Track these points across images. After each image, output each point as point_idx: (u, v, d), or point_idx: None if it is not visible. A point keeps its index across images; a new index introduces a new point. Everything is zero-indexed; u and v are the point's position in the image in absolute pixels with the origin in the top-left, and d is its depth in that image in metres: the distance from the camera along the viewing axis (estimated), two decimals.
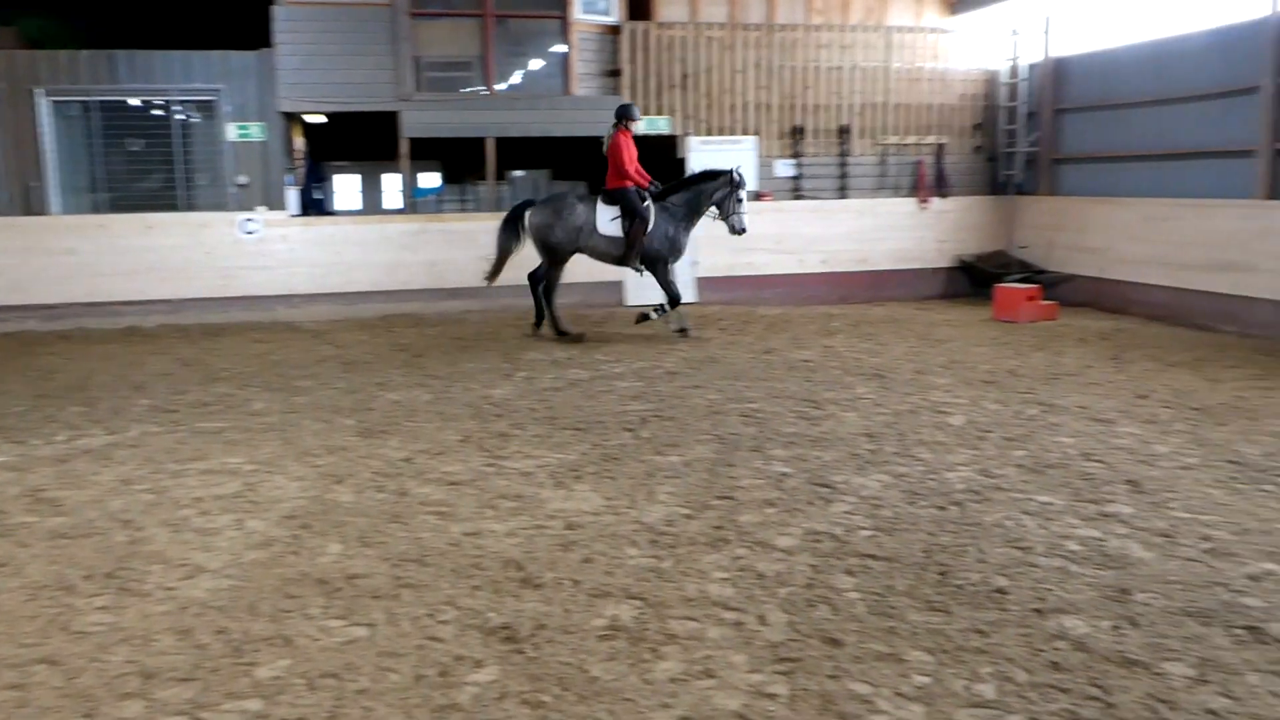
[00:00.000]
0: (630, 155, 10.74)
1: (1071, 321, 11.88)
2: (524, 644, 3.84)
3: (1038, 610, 4.05)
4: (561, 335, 10.90)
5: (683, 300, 11.11)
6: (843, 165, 14.29)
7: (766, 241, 13.75)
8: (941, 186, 14.58)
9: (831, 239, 14.19)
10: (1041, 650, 3.72)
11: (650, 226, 10.69)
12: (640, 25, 13.69)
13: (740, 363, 9.43)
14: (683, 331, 10.91)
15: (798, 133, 14.22)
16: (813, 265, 14.15)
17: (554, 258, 11.21)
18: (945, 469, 5.99)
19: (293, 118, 13.43)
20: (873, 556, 4.64)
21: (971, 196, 14.90)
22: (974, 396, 7.91)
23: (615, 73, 13.62)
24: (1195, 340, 10.60)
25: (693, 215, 10.87)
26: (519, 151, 14.23)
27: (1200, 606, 4.05)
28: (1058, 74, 14.34)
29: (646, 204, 10.70)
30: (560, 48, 13.64)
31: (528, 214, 11.07)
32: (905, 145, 14.59)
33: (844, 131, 14.29)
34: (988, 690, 3.45)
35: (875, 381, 8.52)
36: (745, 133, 14.02)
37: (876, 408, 7.56)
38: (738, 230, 10.72)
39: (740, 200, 10.69)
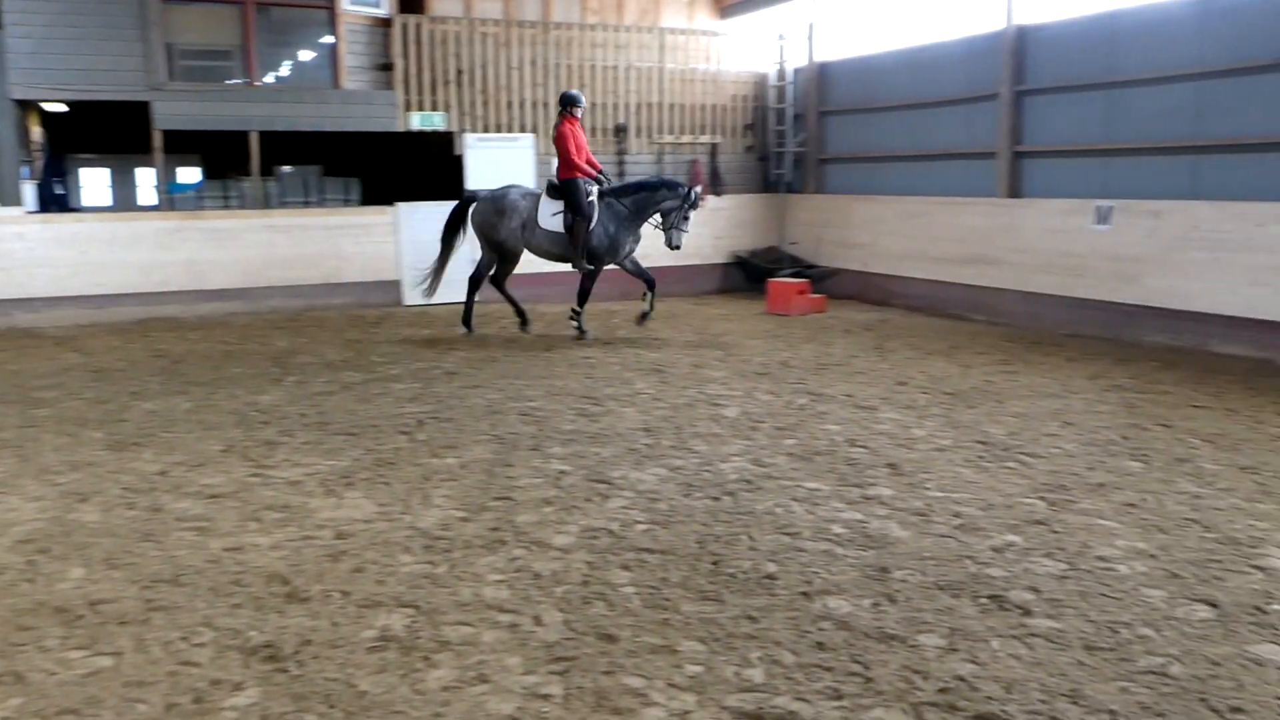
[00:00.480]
0: (577, 144, 10.41)
1: (839, 314, 12.45)
2: (288, 662, 3.63)
3: (805, 593, 4.18)
4: (466, 326, 10.85)
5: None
6: (621, 164, 14.44)
7: None
8: (716, 185, 14.98)
9: None
10: (808, 632, 3.83)
11: (593, 223, 10.39)
12: (412, 19, 13.37)
13: (521, 361, 9.36)
14: (580, 334, 10.60)
15: None
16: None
17: (503, 256, 10.84)
18: (720, 460, 6.11)
19: (28, 106, 12.35)
20: (649, 550, 4.67)
21: (745, 194, 15.40)
22: (748, 388, 8.14)
23: (387, 66, 13.26)
24: (950, 329, 11.32)
25: (638, 219, 10.59)
26: (287, 146, 13.61)
27: (951, 580, 4.29)
28: (822, 78, 15.00)
29: (591, 199, 10.40)
30: (328, 39, 13.14)
31: (471, 210, 10.77)
32: (681, 144, 14.92)
33: (621, 130, 14.45)
34: (757, 674, 3.52)
35: (654, 376, 8.63)
36: (523, 130, 13.94)
37: (655, 402, 7.66)
38: (674, 245, 10.54)
39: (687, 219, 10.50)
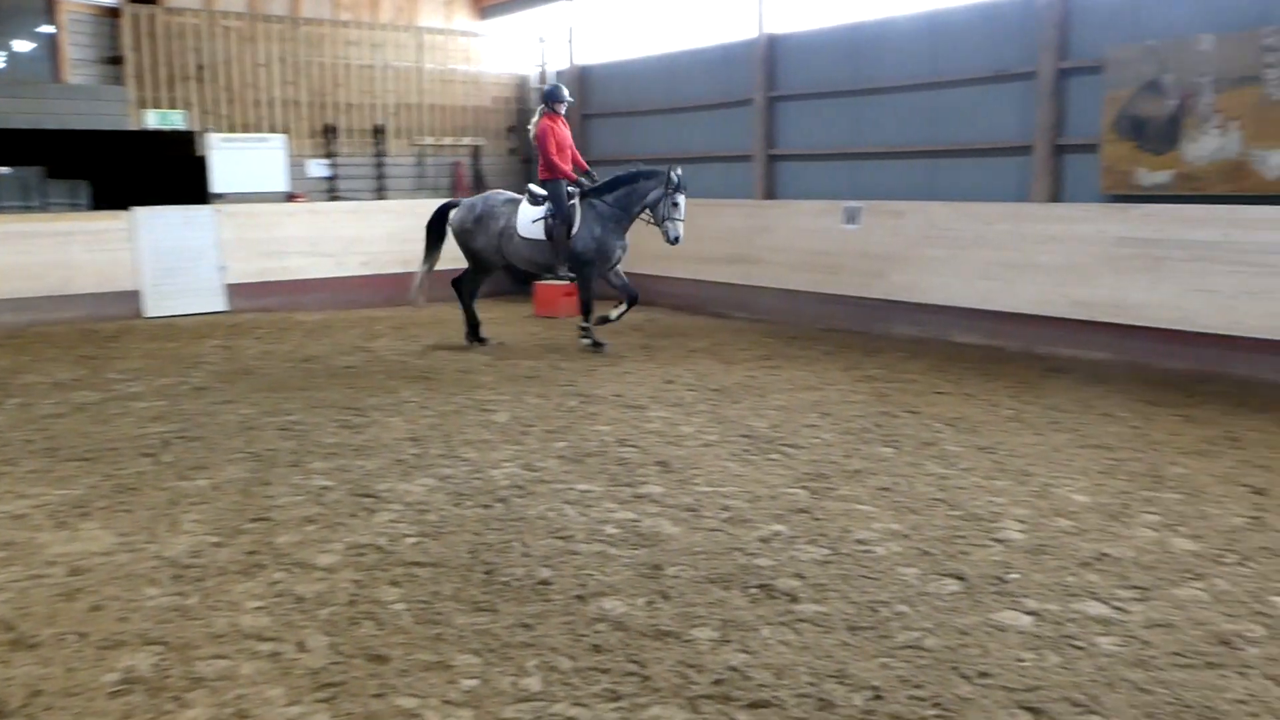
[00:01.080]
0: (559, 143, 9.82)
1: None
2: (14, 717, 3.25)
3: (579, 597, 4.14)
4: (478, 341, 10.31)
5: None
6: (379, 165, 14.04)
7: (301, 244, 13.18)
8: (479, 187, 14.79)
9: (372, 240, 13.86)
10: (584, 635, 3.79)
11: (576, 227, 9.73)
12: (145, 9, 12.49)
13: (278, 373, 8.88)
14: (595, 347, 9.85)
15: (330, 132, 13.75)
16: (353, 268, 13.74)
17: (479, 266, 10.30)
18: (490, 466, 6.00)
19: None
20: (419, 564, 4.51)
21: None
22: (517, 392, 8.06)
23: (117, 60, 12.30)
24: (714, 327, 11.64)
25: (624, 217, 9.85)
26: (3, 145, 12.38)
27: (721, 572, 4.36)
28: (583, 81, 15.11)
29: (573, 202, 9.78)
30: (47, 29, 12.05)
31: (450, 216, 10.25)
32: (442, 146, 14.65)
33: (379, 131, 14.04)
34: (534, 683, 3.45)
35: (421, 384, 8.40)
36: (273, 130, 13.29)
37: (422, 410, 7.45)
38: (671, 239, 9.59)
39: (677, 205, 9.56)
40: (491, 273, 10.56)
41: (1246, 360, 8.22)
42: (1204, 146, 8.56)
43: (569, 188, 9.78)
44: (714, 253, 12.89)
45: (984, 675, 3.44)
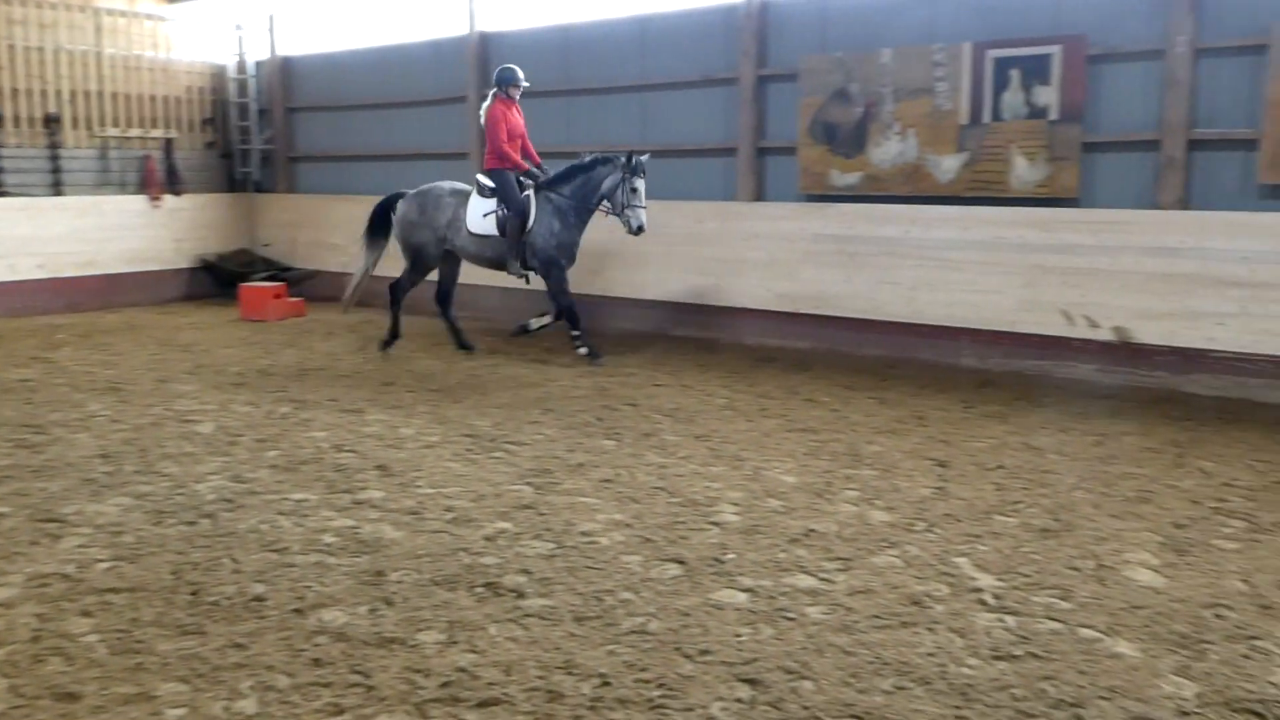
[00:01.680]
0: (510, 130, 9.02)
1: (320, 316, 12.05)
2: None
3: (297, 610, 3.94)
4: (464, 348, 9.59)
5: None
6: (55, 159, 12.77)
7: None
8: (174, 183, 13.79)
9: (49, 240, 12.59)
10: (303, 650, 3.61)
11: (531, 222, 8.94)
12: None
13: None
14: (592, 357, 8.98)
15: None
16: (27, 271, 12.42)
17: (417, 263, 9.45)
18: (194, 481, 5.60)
19: None
20: (113, 590, 4.13)
21: (208, 194, 14.35)
22: (223, 400, 7.57)
23: None
24: (432, 326, 11.41)
25: (584, 210, 9.09)
26: None
27: (446, 574, 4.28)
28: (286, 73, 14.42)
29: (526, 194, 9.01)
30: None
31: (398, 207, 9.45)
32: (129, 138, 13.52)
33: (53, 121, 12.76)
34: (249, 705, 3.24)
35: (111, 396, 7.72)
36: None
37: (114, 424, 6.84)
38: (634, 228, 8.79)
39: (635, 190, 8.79)
40: (429, 273, 9.68)
41: (929, 346, 9.02)
42: (887, 151, 9.31)
43: (521, 178, 9.11)
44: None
45: (705, 653, 3.56)
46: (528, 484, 5.55)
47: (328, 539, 4.71)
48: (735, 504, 5.20)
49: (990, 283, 8.71)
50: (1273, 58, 7.61)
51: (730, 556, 4.47)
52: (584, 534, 4.77)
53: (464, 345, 9.62)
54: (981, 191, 8.84)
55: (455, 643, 3.66)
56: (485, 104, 9.17)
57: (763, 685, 3.34)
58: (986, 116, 8.78)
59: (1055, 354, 8.44)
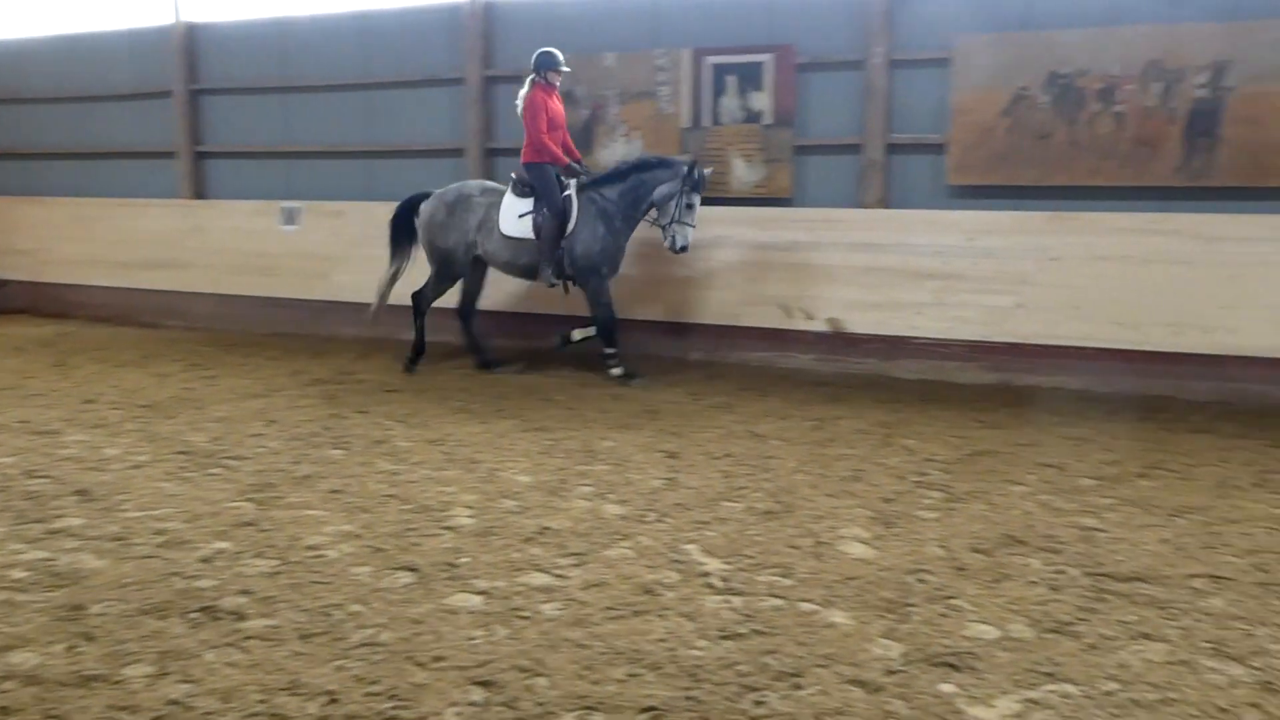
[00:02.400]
0: (552, 119, 8.07)
1: (9, 329, 10.94)
2: None
3: None
4: (488, 366, 8.66)
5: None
6: None
7: None
8: None
9: None
10: None
11: (573, 225, 8.05)
12: None
13: None
14: (627, 378, 8.16)
15: None
16: None
17: (444, 270, 8.52)
18: None
19: None
20: None
21: None
22: None
23: None
24: (142, 338, 10.63)
25: (631, 215, 8.17)
26: None
27: (157, 601, 3.96)
28: None
29: (567, 194, 8.11)
30: None
31: (420, 209, 8.57)
32: None
33: None
34: None
35: None
36: None
37: None
38: (678, 247, 7.92)
39: (691, 207, 7.90)
40: (456, 281, 8.72)
41: (664, 343, 9.27)
42: (614, 153, 9.49)
43: (561, 175, 8.22)
44: (137, 258, 11.77)
45: (438, 659, 3.48)
46: (249, 500, 5.24)
47: (17, 574, 4.25)
48: (469, 507, 5.12)
49: (716, 279, 9.06)
50: (955, 70, 8.35)
51: (464, 560, 4.39)
52: (310, 548, 4.55)
53: (487, 363, 8.74)
54: (704, 192, 9.16)
55: (167, 674, 3.39)
56: (523, 91, 8.20)
57: (496, 686, 3.30)
58: (707, 120, 9.14)
59: (777, 345, 8.90)
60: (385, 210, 10.28)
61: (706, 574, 4.22)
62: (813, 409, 7.34)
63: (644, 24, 9.43)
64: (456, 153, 10.28)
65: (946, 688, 3.27)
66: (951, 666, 3.40)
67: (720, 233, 9.00)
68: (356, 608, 3.91)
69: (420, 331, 8.69)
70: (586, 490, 5.41)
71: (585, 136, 9.52)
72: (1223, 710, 3.14)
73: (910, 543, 4.61)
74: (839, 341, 8.71)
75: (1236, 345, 7.64)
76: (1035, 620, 3.77)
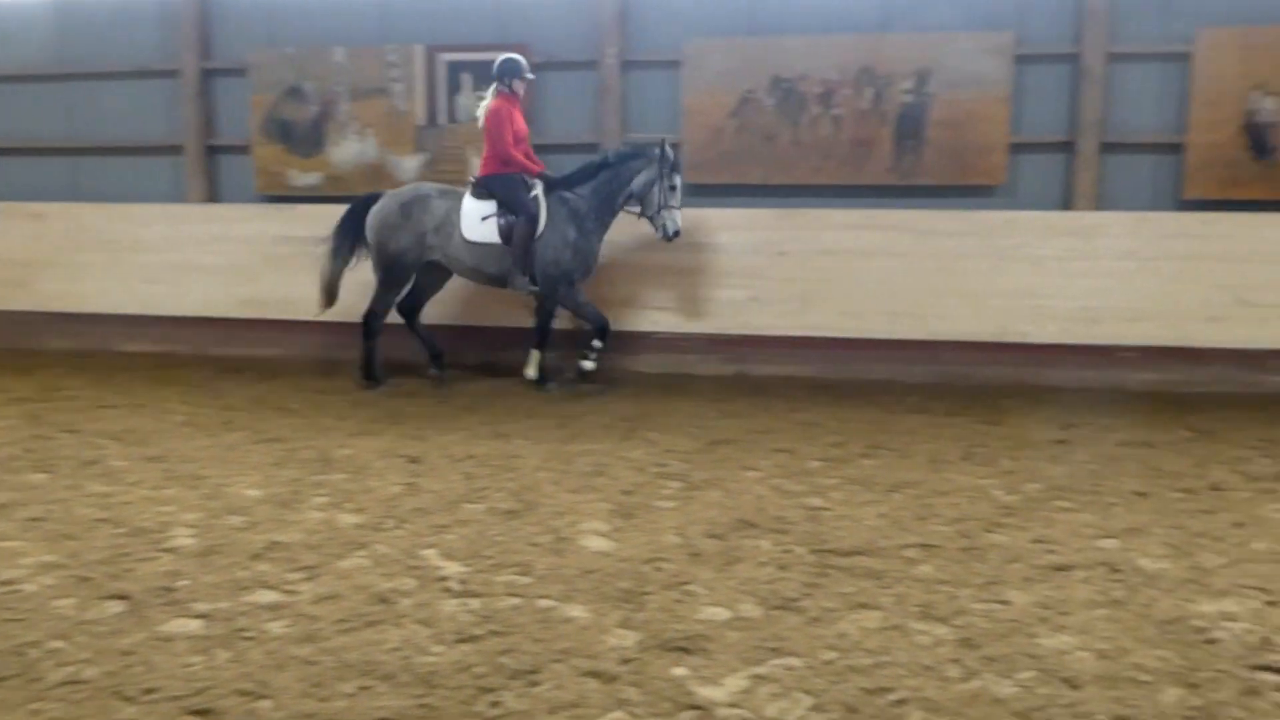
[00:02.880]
0: (516, 131, 7.61)
1: None
2: None
3: None
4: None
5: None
6: None
7: None
8: None
9: None
10: None
11: (541, 227, 7.62)
12: None
13: None
14: (542, 383, 7.91)
15: None
16: None
17: (390, 275, 7.89)
18: None
19: None
20: None
21: None
22: None
23: None
24: None
25: (605, 212, 7.81)
26: None
27: None
28: None
29: (534, 194, 7.68)
30: None
31: (371, 211, 7.90)
32: None
33: None
34: None
35: None
36: None
37: None
38: (670, 233, 7.71)
39: (674, 189, 7.66)
40: (402, 289, 8.01)
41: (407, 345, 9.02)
42: (347, 151, 9.18)
43: (526, 179, 7.67)
44: None
45: (149, 691, 3.22)
46: None
47: None
48: (191, 526, 4.79)
49: (457, 279, 8.90)
50: (686, 72, 8.60)
51: (183, 583, 4.10)
52: (4, 582, 4.12)
53: (439, 362, 8.27)
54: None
55: None
56: (484, 101, 7.69)
57: (215, 714, 3.08)
58: (443, 118, 8.99)
59: (524, 344, 8.85)
60: (96, 213, 9.56)
61: (444, 578, 4.13)
62: (559, 407, 7.37)
63: (372, 18, 9.17)
64: (174, 150, 9.64)
65: (679, 671, 3.33)
66: (684, 650, 3.48)
67: None
68: (57, 644, 3.56)
69: (371, 352, 8.01)
70: (321, 501, 5.19)
71: (315, 134, 9.17)
72: (927, 668, 3.37)
73: (648, 533, 4.69)
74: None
75: (946, 331, 8.28)
76: (763, 599, 3.92)
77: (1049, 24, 8.33)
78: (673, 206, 7.68)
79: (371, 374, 8.00)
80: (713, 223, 8.57)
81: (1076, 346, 8.16)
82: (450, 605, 3.87)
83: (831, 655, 3.45)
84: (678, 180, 7.71)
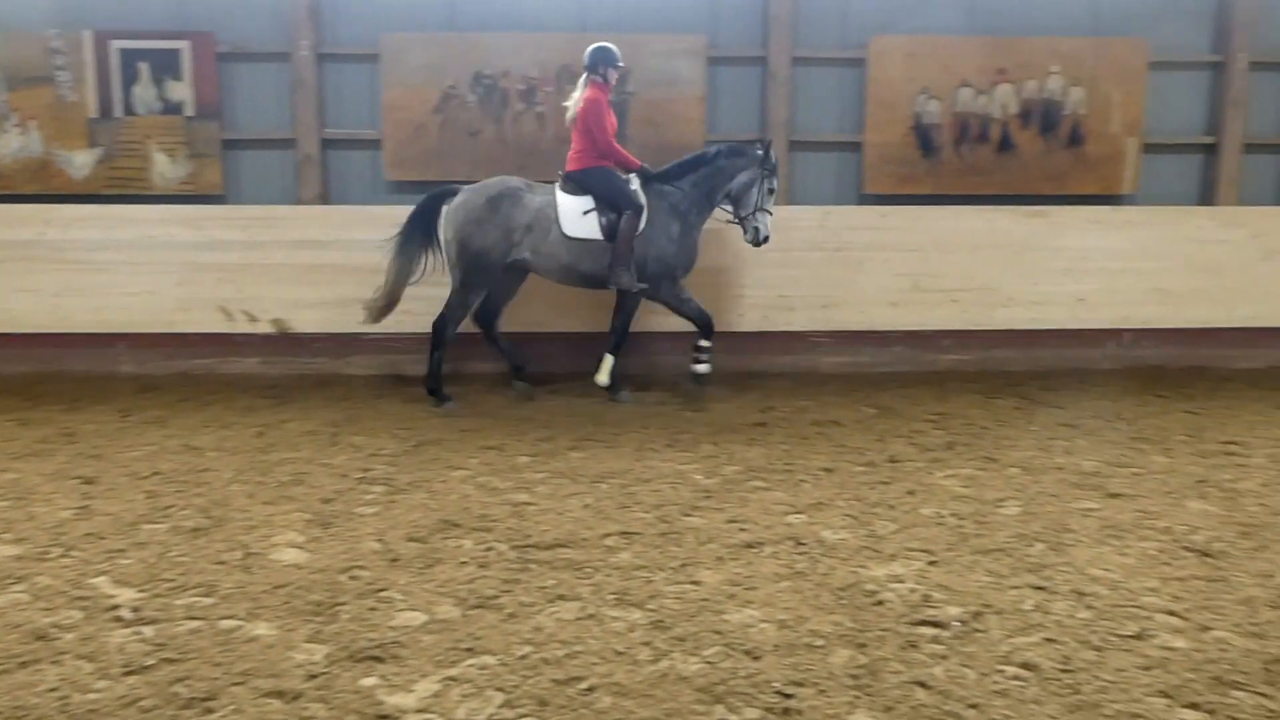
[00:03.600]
0: (611, 123, 7.10)
1: None
2: None
3: None
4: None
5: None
6: None
7: None
8: None
9: None
10: None
11: (643, 223, 7.07)
12: None
13: None
14: (615, 392, 7.51)
15: None
16: None
17: (471, 277, 7.14)
18: None
19: None
20: None
21: None
22: None
23: None
24: None
25: (704, 207, 7.36)
26: None
27: None
28: None
29: (635, 189, 7.13)
30: None
31: (447, 207, 7.18)
32: None
33: None
34: None
35: None
36: None
37: None
38: (761, 238, 7.33)
39: (772, 192, 7.33)
40: (483, 292, 7.32)
41: (82, 356, 8.27)
42: (7, 145, 8.33)
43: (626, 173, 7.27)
44: None
45: None
46: None
47: None
48: None
49: (143, 284, 8.28)
50: (385, 67, 8.39)
51: None
52: None
53: (520, 371, 7.81)
54: (123, 189, 8.38)
55: None
56: (576, 93, 7.20)
57: None
58: (119, 110, 8.33)
59: (219, 351, 8.36)
60: None
61: (115, 607, 3.81)
62: (258, 415, 7.00)
63: (35, 1, 8.34)
64: None
65: (368, 681, 3.23)
66: (376, 659, 3.38)
67: (143, 233, 8.23)
68: None
69: (438, 364, 7.36)
70: None
71: None
72: (619, 654, 3.44)
73: (346, 541, 4.53)
74: (285, 342, 8.37)
75: (656, 323, 8.51)
76: (462, 599, 3.88)
77: (739, 29, 8.74)
78: (768, 210, 7.43)
79: (438, 389, 7.37)
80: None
81: (775, 334, 8.63)
82: (120, 636, 3.57)
83: (526, 650, 3.46)
84: (775, 184, 7.49)
